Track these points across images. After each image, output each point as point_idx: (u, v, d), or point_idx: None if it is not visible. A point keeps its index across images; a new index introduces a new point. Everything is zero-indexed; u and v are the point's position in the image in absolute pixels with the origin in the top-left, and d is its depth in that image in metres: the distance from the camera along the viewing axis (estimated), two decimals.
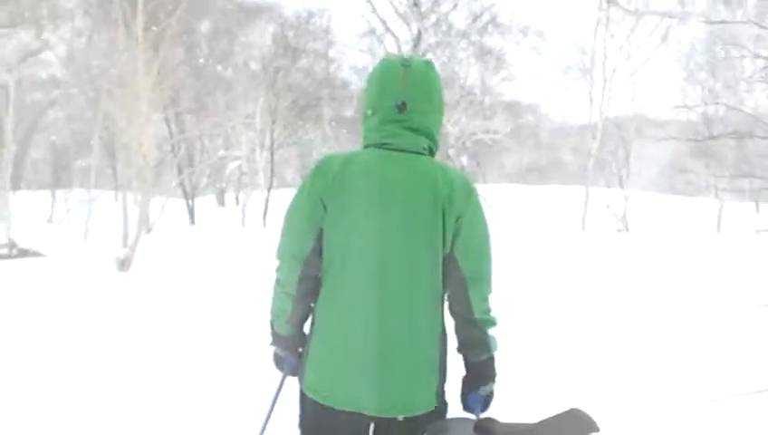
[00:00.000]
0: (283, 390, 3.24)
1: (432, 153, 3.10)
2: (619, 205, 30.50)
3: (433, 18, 27.56)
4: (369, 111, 3.06)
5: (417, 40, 26.97)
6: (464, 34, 39.44)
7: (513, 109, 50.72)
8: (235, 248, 20.89)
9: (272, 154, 36.32)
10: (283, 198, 42.12)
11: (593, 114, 30.51)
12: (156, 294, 12.56)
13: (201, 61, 37.27)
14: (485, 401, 3.08)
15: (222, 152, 38.70)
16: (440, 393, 2.98)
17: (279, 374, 3.24)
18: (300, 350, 3.12)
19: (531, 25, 44.67)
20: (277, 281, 3.10)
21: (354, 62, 48.64)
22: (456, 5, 28.33)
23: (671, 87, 34.53)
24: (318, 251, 2.99)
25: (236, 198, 40.69)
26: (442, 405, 2.99)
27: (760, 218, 35.51)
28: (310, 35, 45.34)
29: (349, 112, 45.70)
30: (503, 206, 31.80)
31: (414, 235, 2.93)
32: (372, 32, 38.23)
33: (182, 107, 32.71)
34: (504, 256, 16.83)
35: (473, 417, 2.83)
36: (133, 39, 15.71)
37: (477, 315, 3.02)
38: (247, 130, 37.03)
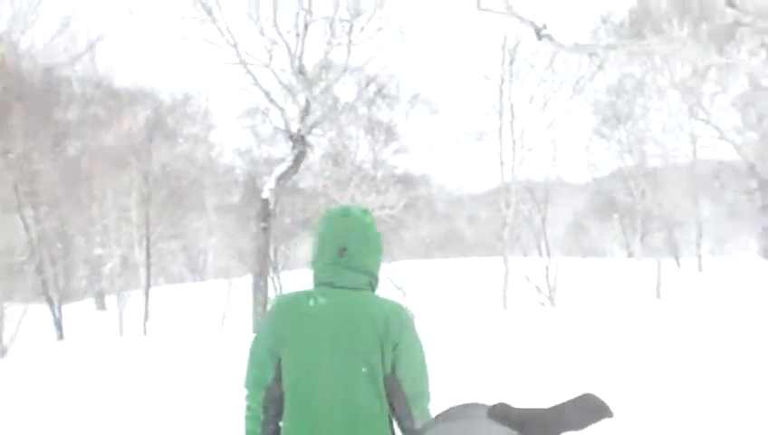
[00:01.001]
0: None
1: (372, 288, 3.57)
2: (539, 275, 27.62)
3: (321, 86, 24.74)
4: (316, 256, 3.58)
5: (306, 112, 24.06)
6: (351, 107, 37.19)
7: (406, 182, 48.64)
8: (108, 368, 17.22)
9: (147, 250, 32.83)
10: (170, 296, 38.98)
11: (505, 177, 27.68)
12: None
13: (67, 152, 33.98)
14: None
15: (99, 250, 35.11)
16: None
17: None
18: None
19: (420, 93, 42.46)
20: (247, 407, 3.52)
21: (237, 144, 45.61)
22: (344, 71, 25.52)
23: (580, 145, 32.03)
24: (279, 378, 3.44)
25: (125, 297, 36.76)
26: None
27: (690, 276, 33.25)
28: (188, 119, 42.42)
29: (235, 198, 42.74)
30: (411, 285, 28.70)
31: (357, 362, 3.36)
32: (255, 110, 35.53)
33: (43, 202, 29.11)
34: (426, 343, 14.14)
35: (486, 403, 1.97)
36: None
37: (420, 426, 3.31)
38: (127, 225, 33.83)
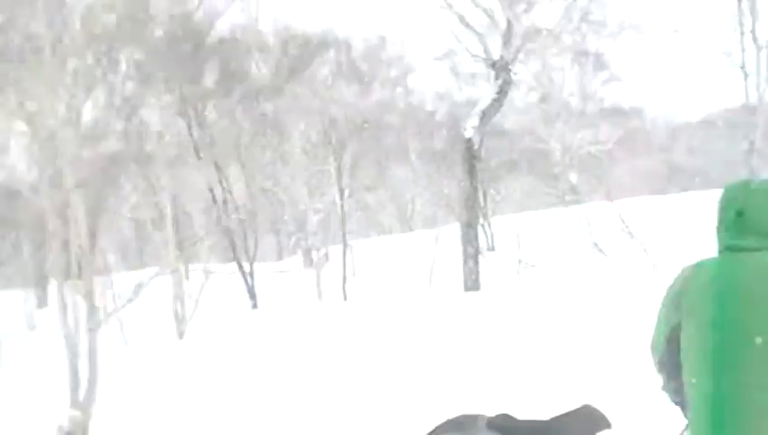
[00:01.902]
0: None
1: None
2: None
3: (522, 6, 20.97)
4: (718, 222, 3.55)
5: (508, 34, 20.43)
6: (555, 37, 33.41)
7: (617, 115, 44.39)
8: (305, 342, 14.26)
9: (342, 207, 30.03)
10: (378, 248, 36.35)
11: (750, 94, 22.30)
12: None
13: (262, 108, 31.84)
14: None
15: (302, 205, 32.94)
16: None
17: None
18: None
19: (626, 19, 37.53)
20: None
21: (437, 88, 42.30)
22: None
23: None
24: (671, 344, 3.45)
25: (326, 255, 34.36)
26: None
27: None
28: (383, 64, 39.49)
29: (438, 143, 39.66)
30: (644, 226, 24.05)
31: (754, 326, 3.20)
32: (452, 51, 32.38)
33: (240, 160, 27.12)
34: None
35: (486, 414, 2.70)
36: None
37: None
38: (328, 178, 31.61)
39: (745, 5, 21.25)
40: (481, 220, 30.67)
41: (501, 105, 20.93)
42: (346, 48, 36.23)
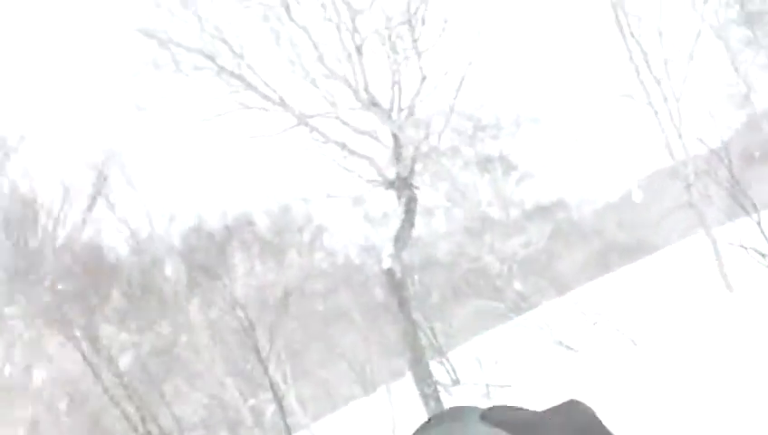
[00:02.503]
0: None
1: None
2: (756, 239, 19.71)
3: (403, 114, 18.96)
4: None
5: (397, 148, 18.34)
6: (454, 150, 31.93)
7: (541, 212, 42.67)
8: None
9: (276, 395, 27.41)
10: (340, 423, 33.45)
11: (678, 154, 19.73)
12: None
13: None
14: None
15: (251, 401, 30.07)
16: None
17: None
18: None
19: (520, 114, 35.95)
20: None
21: (357, 240, 39.80)
22: (423, 80, 19.35)
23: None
24: None
25: None
26: None
27: None
28: (294, 231, 37.10)
29: (380, 296, 37.04)
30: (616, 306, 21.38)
31: None
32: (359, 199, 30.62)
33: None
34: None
35: (479, 406, 1.77)
36: None
37: None
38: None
39: (631, 43, 19.42)
40: (438, 357, 28.35)
41: (412, 225, 18.62)
42: (249, 227, 33.86)
